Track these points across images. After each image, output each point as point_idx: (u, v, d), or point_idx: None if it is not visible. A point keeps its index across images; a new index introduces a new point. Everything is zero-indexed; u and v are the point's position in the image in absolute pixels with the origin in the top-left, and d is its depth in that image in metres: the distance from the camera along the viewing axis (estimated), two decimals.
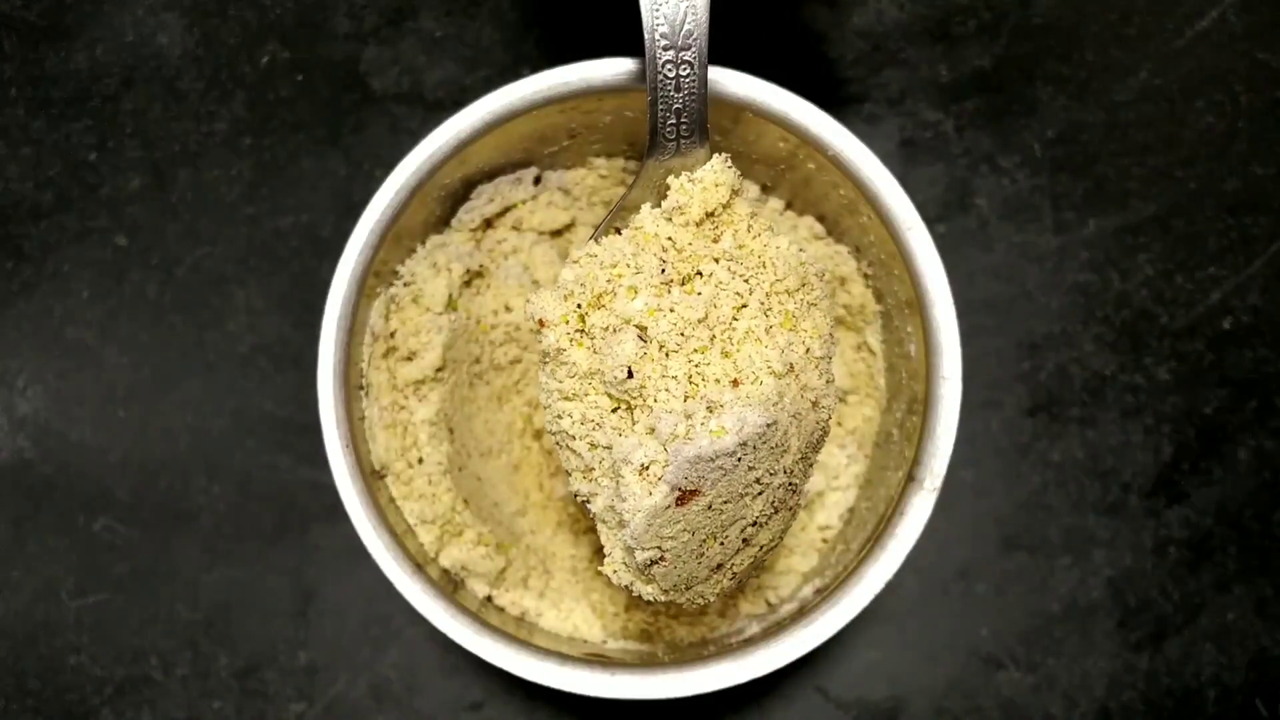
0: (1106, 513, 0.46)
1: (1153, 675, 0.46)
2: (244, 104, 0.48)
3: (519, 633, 0.37)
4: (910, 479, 0.36)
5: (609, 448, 0.31)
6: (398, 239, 0.38)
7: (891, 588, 0.35)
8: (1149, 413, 0.47)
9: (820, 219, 0.41)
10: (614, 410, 0.31)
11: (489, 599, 0.40)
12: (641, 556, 0.31)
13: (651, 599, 0.33)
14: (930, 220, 0.43)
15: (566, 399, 0.32)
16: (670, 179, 0.33)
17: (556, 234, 0.43)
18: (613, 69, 0.36)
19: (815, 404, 0.32)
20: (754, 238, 0.32)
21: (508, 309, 0.42)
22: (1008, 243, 0.48)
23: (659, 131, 0.32)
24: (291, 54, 0.48)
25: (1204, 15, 0.48)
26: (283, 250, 0.47)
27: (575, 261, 0.32)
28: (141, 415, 0.47)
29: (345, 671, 0.46)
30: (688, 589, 0.33)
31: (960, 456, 0.46)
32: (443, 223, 0.41)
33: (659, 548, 0.31)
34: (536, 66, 0.46)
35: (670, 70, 0.32)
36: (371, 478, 0.37)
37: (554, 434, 0.32)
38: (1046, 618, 0.46)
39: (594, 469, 0.32)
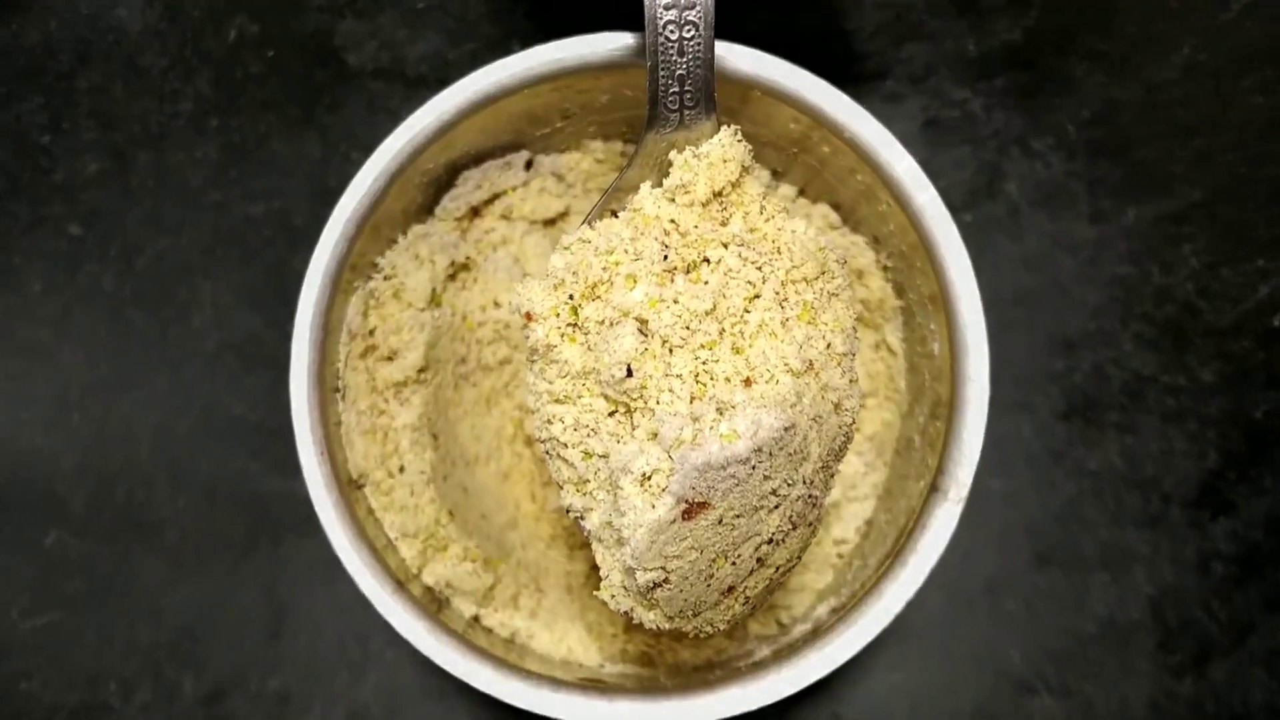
0: (1147, 525, 0.47)
1: (1197, 702, 0.46)
2: (210, 82, 0.48)
3: (509, 656, 0.37)
4: (933, 489, 0.36)
5: (605, 456, 0.31)
6: (377, 229, 0.38)
7: (913, 606, 0.35)
8: (1193, 417, 0.47)
9: (836, 207, 0.41)
10: (611, 414, 0.31)
11: (476, 619, 0.40)
12: (643, 578, 0.31)
13: (654, 626, 0.32)
14: (955, 208, 0.43)
15: (557, 401, 0.31)
16: (673, 154, 0.32)
17: (549, 223, 0.43)
18: (610, 44, 0.36)
19: (837, 406, 0.31)
20: (767, 220, 0.32)
21: (496, 305, 0.42)
22: (1040, 232, 0.48)
23: (660, 101, 0.32)
24: (261, 28, 0.48)
25: None
26: (253, 240, 0.48)
27: (567, 248, 0.32)
28: (99, 419, 0.47)
29: (320, 698, 0.46)
30: (695, 615, 0.33)
31: (988, 464, 0.46)
32: (425, 211, 0.41)
33: (663, 568, 0.31)
34: (527, 41, 0.46)
35: (673, 32, 0.31)
36: (348, 487, 0.37)
37: (543, 441, 0.32)
38: (1081, 639, 0.46)
39: (588, 481, 0.31)
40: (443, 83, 0.37)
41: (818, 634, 0.36)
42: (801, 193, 0.42)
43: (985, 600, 0.46)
